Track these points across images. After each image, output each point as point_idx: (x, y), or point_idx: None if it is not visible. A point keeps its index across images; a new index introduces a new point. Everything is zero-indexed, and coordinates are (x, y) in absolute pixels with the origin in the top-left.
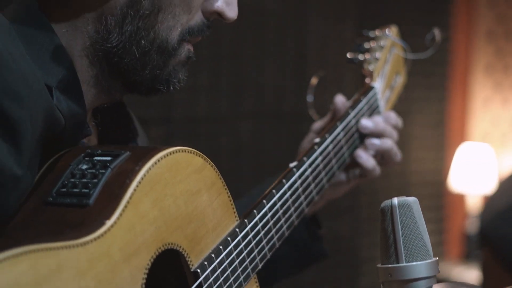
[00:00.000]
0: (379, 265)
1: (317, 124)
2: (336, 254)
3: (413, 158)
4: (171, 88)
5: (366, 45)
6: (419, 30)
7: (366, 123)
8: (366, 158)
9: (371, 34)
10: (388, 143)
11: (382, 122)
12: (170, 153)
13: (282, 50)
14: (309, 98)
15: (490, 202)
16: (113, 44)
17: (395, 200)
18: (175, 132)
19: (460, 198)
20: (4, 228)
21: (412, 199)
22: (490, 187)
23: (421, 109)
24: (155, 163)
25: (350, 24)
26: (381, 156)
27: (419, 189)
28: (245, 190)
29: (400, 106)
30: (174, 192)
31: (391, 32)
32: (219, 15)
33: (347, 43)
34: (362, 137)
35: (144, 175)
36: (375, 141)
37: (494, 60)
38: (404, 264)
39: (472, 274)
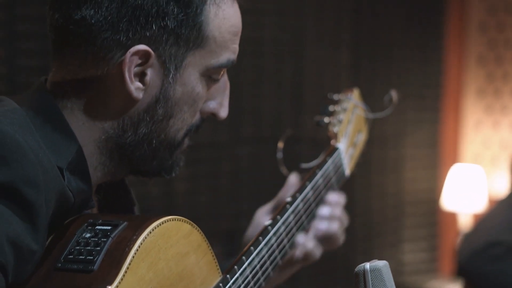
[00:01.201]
0: None
1: (292, 180)
2: (332, 272)
3: (407, 178)
4: (173, 174)
5: (331, 108)
6: (413, 55)
7: (323, 211)
8: (303, 240)
9: (335, 97)
10: (334, 227)
11: (338, 207)
12: (163, 222)
13: (280, 77)
14: (279, 155)
15: (467, 239)
16: (127, 141)
17: (367, 265)
18: None
19: (452, 217)
20: None
21: (382, 264)
22: (480, 206)
23: (415, 131)
24: (150, 232)
25: (345, 51)
26: (327, 239)
27: (412, 207)
28: (244, 213)
29: (394, 128)
30: (166, 256)
31: (353, 95)
32: (213, 114)
33: (343, 70)
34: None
35: (141, 243)
36: (323, 225)
37: (485, 83)
38: None
39: None
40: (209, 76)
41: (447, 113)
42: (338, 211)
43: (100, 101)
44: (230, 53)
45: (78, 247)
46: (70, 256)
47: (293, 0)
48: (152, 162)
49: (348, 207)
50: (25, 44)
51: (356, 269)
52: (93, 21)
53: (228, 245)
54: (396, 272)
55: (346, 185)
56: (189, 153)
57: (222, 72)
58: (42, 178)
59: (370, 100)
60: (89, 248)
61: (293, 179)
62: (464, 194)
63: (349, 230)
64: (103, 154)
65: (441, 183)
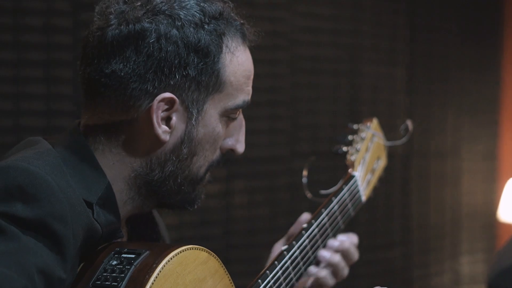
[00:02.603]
0: None
1: (304, 216)
2: (390, 286)
3: (465, 191)
4: (195, 206)
5: (350, 137)
6: (469, 73)
7: (324, 253)
8: (315, 271)
9: (355, 126)
10: (336, 258)
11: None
12: (181, 251)
13: (336, 94)
14: (304, 180)
15: (497, 258)
16: (154, 178)
17: None
18: (236, 172)
19: (510, 229)
20: None
21: None
22: None
23: (473, 145)
24: (169, 260)
25: (401, 68)
26: (332, 269)
27: (471, 220)
28: None
29: (452, 141)
30: (184, 281)
31: (372, 125)
32: (232, 150)
33: (398, 87)
34: (336, 231)
35: (160, 270)
36: (325, 254)
37: None
38: None
39: None
40: (227, 116)
41: (505, 126)
42: (346, 247)
43: (129, 143)
44: (245, 95)
45: (105, 274)
46: (98, 282)
47: (349, 19)
48: (177, 196)
49: (406, 221)
50: None
51: None
52: (122, 74)
53: None
54: (454, 282)
55: (404, 199)
56: (248, 167)
57: (238, 112)
58: (70, 214)
59: (425, 117)
60: (114, 274)
61: (304, 216)
62: None
63: (406, 244)
64: (132, 190)
65: (499, 196)
